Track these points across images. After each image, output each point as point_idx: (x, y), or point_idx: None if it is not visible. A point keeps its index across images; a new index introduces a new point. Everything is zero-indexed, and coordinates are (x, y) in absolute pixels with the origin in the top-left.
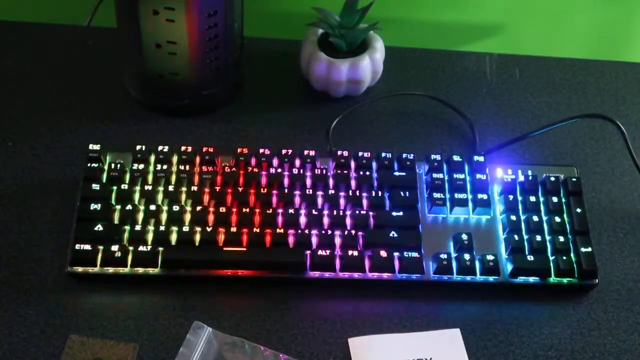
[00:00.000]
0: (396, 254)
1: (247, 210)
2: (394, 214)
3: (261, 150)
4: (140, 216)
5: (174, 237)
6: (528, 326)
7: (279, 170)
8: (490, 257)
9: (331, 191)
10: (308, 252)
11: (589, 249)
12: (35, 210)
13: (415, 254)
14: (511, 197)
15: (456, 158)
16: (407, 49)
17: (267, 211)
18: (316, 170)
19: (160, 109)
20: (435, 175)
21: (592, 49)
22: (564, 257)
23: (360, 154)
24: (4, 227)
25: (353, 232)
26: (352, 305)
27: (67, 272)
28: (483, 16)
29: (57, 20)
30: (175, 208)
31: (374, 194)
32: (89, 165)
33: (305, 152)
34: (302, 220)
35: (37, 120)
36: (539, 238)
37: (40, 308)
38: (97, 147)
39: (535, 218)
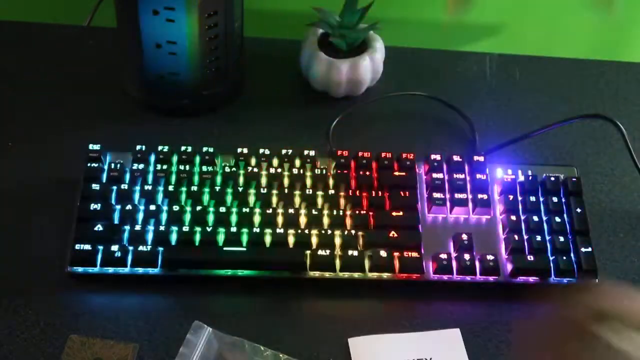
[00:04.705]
0: (396, 254)
1: (247, 210)
2: (394, 214)
3: (261, 150)
4: (140, 216)
5: (174, 237)
6: None
7: (279, 170)
8: (490, 257)
9: (331, 191)
10: (308, 252)
11: (589, 249)
12: (35, 210)
13: (415, 254)
14: (511, 197)
15: (456, 158)
16: (407, 49)
17: (267, 211)
18: (316, 170)
19: (160, 109)
20: (435, 175)
21: (592, 49)
22: (564, 257)
23: (360, 154)
24: (4, 227)
25: (353, 232)
26: (352, 305)
27: (67, 272)
28: (483, 16)
29: (57, 20)
30: (175, 208)
31: (374, 194)
32: (89, 165)
33: (305, 152)
34: (302, 220)
35: (37, 120)
36: (539, 238)
37: (40, 308)
38: (97, 147)
39: (535, 218)
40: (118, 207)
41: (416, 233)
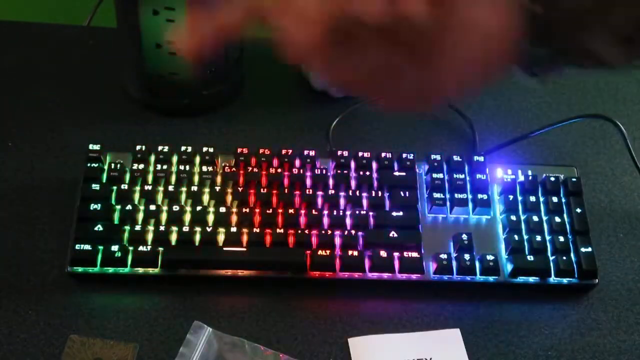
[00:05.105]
0: (396, 254)
1: (247, 210)
2: (394, 214)
3: (261, 150)
4: (140, 216)
5: (174, 237)
6: (528, 326)
7: (279, 170)
8: (490, 257)
9: (331, 191)
10: (308, 252)
11: (589, 249)
12: (35, 210)
13: (415, 254)
14: (511, 197)
15: (456, 158)
16: None
17: (267, 211)
18: (316, 170)
19: (160, 109)
20: (435, 175)
21: None
22: (564, 257)
23: (360, 154)
24: (4, 227)
25: (353, 232)
26: (352, 305)
27: (67, 272)
28: None
29: (57, 20)
30: (175, 208)
31: (374, 194)
32: (89, 165)
33: (305, 152)
34: (302, 220)
35: (37, 120)
36: (539, 238)
37: (40, 308)
38: (97, 147)
39: (535, 218)
40: (118, 207)
41: (416, 233)
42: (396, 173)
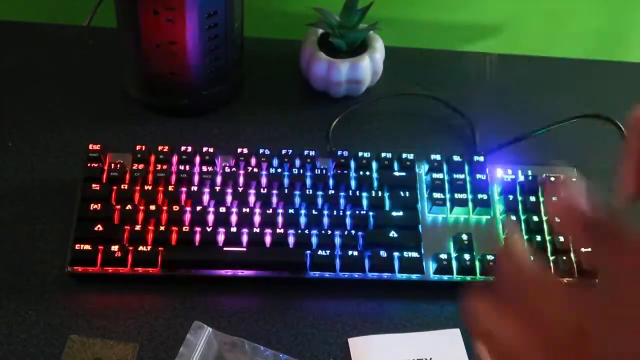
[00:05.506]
0: (396, 254)
1: (247, 210)
2: (394, 214)
3: (261, 150)
4: (140, 216)
5: (174, 237)
6: None
7: (279, 170)
8: (490, 257)
9: (331, 191)
10: (308, 252)
11: (589, 249)
12: (35, 210)
13: (415, 254)
14: (511, 197)
15: (456, 158)
16: (407, 49)
17: (267, 211)
18: (316, 170)
19: (160, 109)
20: (435, 175)
21: (592, 49)
22: (564, 257)
23: (360, 154)
24: (4, 227)
25: (353, 232)
26: (352, 305)
27: (67, 272)
28: (483, 16)
29: (57, 20)
30: (175, 208)
31: (374, 194)
32: (89, 165)
33: (305, 152)
34: (302, 220)
35: (37, 120)
36: (539, 238)
37: (40, 308)
38: (97, 147)
39: (535, 218)
40: (118, 207)
41: (416, 233)
42: (396, 173)
